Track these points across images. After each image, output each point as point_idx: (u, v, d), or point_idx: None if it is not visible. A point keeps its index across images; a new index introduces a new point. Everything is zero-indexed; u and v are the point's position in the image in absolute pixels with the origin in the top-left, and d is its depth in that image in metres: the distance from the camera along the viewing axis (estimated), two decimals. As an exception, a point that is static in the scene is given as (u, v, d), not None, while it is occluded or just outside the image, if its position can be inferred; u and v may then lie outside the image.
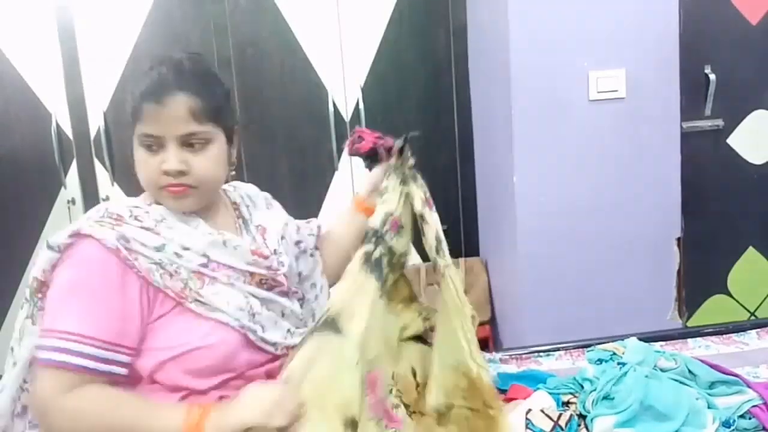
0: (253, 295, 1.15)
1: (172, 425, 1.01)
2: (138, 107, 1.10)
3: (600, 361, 1.52)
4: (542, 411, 1.32)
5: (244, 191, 1.33)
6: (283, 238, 1.30)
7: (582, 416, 1.35)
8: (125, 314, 1.06)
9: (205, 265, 1.11)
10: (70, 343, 1.01)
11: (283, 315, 1.20)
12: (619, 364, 1.43)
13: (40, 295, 1.11)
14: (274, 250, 1.24)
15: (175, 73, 1.11)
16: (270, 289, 1.20)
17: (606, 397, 1.33)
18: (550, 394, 1.44)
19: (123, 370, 1.06)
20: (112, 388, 1.05)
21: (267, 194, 1.40)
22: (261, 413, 1.01)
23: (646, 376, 1.36)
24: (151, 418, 1.02)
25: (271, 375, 1.15)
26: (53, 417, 1.02)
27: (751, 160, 2.57)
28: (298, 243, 1.34)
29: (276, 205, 1.38)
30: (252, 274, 1.17)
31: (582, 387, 1.43)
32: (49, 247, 1.09)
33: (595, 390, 1.37)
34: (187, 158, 1.11)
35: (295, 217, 1.40)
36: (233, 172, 1.25)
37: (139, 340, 1.07)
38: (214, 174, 1.16)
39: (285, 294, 1.24)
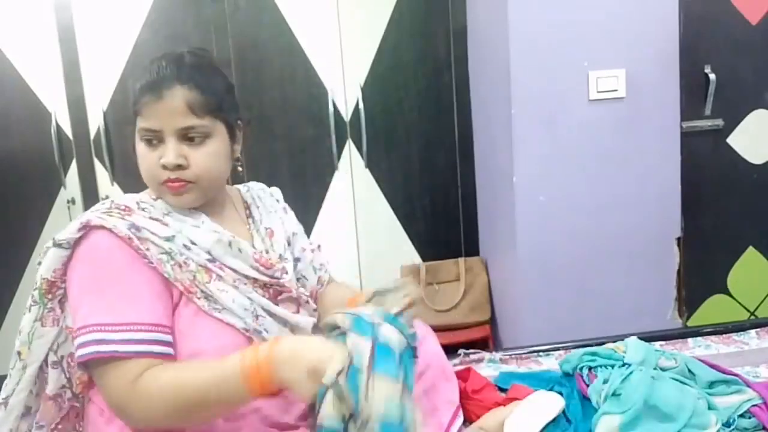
0: (257, 302, 1.14)
1: (236, 389, 0.97)
2: (137, 101, 1.09)
3: (567, 366, 1.53)
4: None
5: (256, 192, 1.33)
6: (289, 244, 1.29)
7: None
8: (153, 296, 1.05)
9: (211, 261, 1.11)
10: (117, 333, 1.00)
11: (286, 325, 1.18)
12: (624, 364, 1.43)
13: (50, 296, 1.09)
14: (280, 255, 1.23)
15: (174, 67, 1.11)
16: (277, 295, 1.19)
17: (614, 394, 1.33)
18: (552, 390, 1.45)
19: (171, 350, 1.04)
20: (172, 366, 1.03)
21: (279, 194, 1.39)
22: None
23: (652, 377, 1.36)
24: (217, 387, 0.99)
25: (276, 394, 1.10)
26: (130, 405, 1.00)
27: (751, 160, 2.57)
28: (295, 261, 1.31)
29: (291, 212, 1.38)
30: (256, 280, 1.16)
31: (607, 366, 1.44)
32: (57, 244, 1.06)
33: (606, 383, 1.37)
34: (186, 152, 1.10)
35: (295, 217, 1.39)
36: (240, 168, 1.24)
37: (171, 320, 1.06)
38: (214, 169, 1.14)
39: (294, 301, 1.23)
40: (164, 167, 1.09)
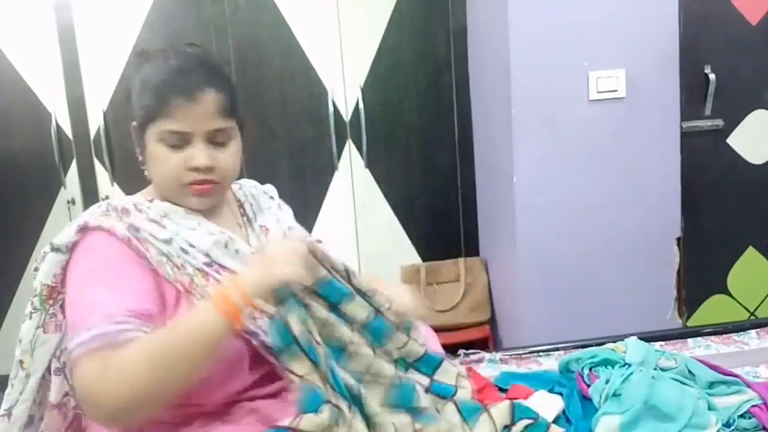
0: None
1: (207, 318, 0.97)
2: (164, 101, 1.07)
3: (567, 366, 1.53)
4: None
5: (249, 190, 1.32)
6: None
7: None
8: (148, 295, 1.03)
9: (208, 265, 1.10)
10: (108, 326, 0.96)
11: None
12: (625, 364, 1.43)
13: (51, 302, 1.07)
14: None
15: (201, 68, 1.11)
16: None
17: (614, 394, 1.34)
18: (551, 392, 1.45)
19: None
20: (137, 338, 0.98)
21: (273, 191, 1.37)
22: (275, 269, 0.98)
23: (653, 377, 1.36)
24: (188, 327, 0.97)
25: (274, 395, 1.13)
26: (103, 393, 0.94)
27: (750, 160, 2.57)
28: None
29: (286, 208, 1.37)
30: None
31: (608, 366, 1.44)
32: (56, 249, 1.05)
33: (608, 383, 1.37)
34: (213, 154, 1.10)
35: (295, 217, 1.39)
36: None
37: (160, 321, 1.03)
38: (235, 169, 1.16)
39: None
40: (194, 169, 1.09)
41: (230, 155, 1.13)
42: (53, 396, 1.12)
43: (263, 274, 0.99)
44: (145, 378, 0.93)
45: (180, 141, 1.08)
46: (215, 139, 1.11)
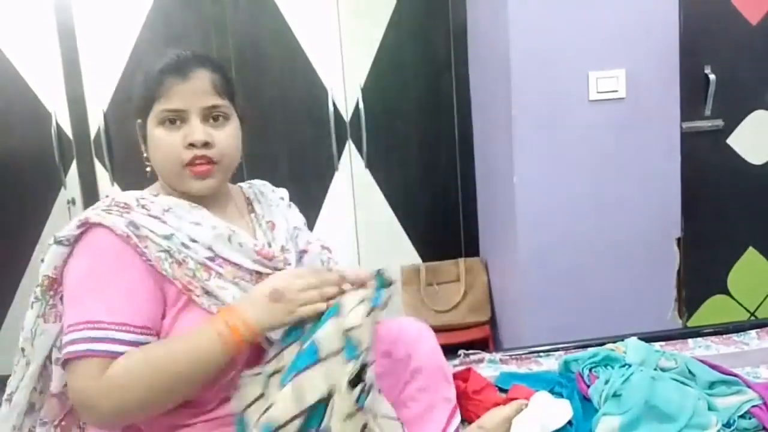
0: None
1: (210, 347, 1.01)
2: (160, 83, 1.11)
3: (568, 366, 1.53)
4: None
5: (258, 188, 1.35)
6: (292, 237, 1.29)
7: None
8: (146, 298, 1.05)
9: (211, 259, 1.11)
10: (102, 331, 1.00)
11: None
12: (625, 365, 1.43)
13: (51, 293, 1.10)
14: (282, 247, 1.24)
15: (194, 55, 1.16)
16: None
17: (615, 395, 1.34)
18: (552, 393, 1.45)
19: None
20: (134, 351, 1.02)
21: (285, 194, 1.39)
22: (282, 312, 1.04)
23: (653, 378, 1.36)
24: (190, 353, 1.01)
25: None
26: (101, 401, 0.99)
27: (750, 160, 2.57)
28: (301, 253, 1.32)
29: (295, 208, 1.39)
30: (259, 273, 1.16)
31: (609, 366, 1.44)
32: (58, 241, 1.08)
33: (608, 383, 1.37)
34: (209, 131, 1.13)
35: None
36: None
37: (159, 324, 1.07)
38: (234, 150, 1.18)
39: None
40: (191, 145, 1.12)
41: (227, 134, 1.16)
42: (54, 385, 1.13)
43: (276, 314, 1.04)
44: (142, 393, 0.99)
45: (177, 119, 1.12)
46: (212, 117, 1.14)
